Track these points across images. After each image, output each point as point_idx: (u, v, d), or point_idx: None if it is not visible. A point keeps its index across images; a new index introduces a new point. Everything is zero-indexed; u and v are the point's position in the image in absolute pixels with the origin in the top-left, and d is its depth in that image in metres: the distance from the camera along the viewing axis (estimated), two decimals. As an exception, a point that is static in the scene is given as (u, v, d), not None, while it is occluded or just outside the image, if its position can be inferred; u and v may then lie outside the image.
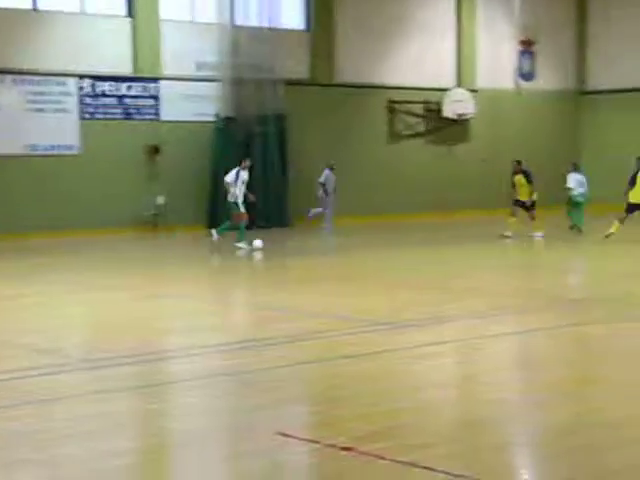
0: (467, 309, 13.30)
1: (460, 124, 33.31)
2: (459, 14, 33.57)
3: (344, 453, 6.79)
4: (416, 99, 32.59)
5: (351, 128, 31.59)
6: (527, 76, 34.96)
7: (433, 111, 32.88)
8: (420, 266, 19.20)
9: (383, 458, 6.67)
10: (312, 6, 30.91)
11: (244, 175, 22.95)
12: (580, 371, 9.81)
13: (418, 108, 32.77)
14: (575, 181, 26.03)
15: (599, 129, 36.21)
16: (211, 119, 28.79)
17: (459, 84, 33.50)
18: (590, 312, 13.20)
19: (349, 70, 31.64)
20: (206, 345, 11.09)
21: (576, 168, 26.63)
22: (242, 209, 22.81)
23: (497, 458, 6.85)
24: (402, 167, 32.32)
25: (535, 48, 35.17)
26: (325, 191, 27.20)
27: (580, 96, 36.76)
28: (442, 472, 6.40)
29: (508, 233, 24.37)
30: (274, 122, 29.40)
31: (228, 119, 28.87)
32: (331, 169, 27.52)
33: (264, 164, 29.16)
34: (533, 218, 24.95)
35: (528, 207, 25.14)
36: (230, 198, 22.94)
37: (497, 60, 34.47)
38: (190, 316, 13.50)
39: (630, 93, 35.18)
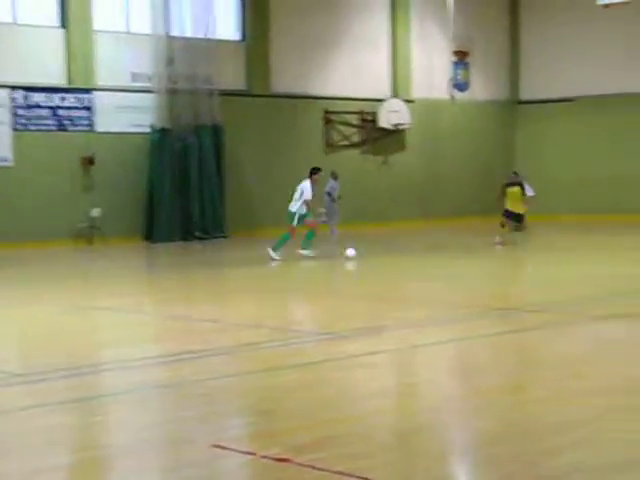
0: (404, 318, 13.35)
1: (396, 134, 33.49)
2: (394, 25, 33.78)
3: (280, 464, 6.76)
4: (352, 109, 32.74)
5: (288, 138, 31.62)
6: (461, 86, 35.28)
7: (369, 121, 33.03)
8: (358, 276, 19.24)
9: (318, 468, 6.65)
10: (247, 17, 30.90)
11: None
12: (514, 378, 9.88)
13: (354, 118, 32.90)
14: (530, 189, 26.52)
15: (533, 138, 36.64)
16: (146, 130, 28.62)
17: (394, 94, 33.69)
18: (526, 319, 13.32)
19: (285, 81, 31.67)
20: (142, 357, 10.99)
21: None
22: (296, 222, 22.24)
23: (431, 466, 6.86)
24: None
25: (469, 59, 35.51)
26: (333, 199, 27.59)
27: (514, 106, 37.18)
28: (378, 481, 6.41)
29: (499, 239, 24.57)
30: (210, 133, 29.32)
31: (163, 130, 28.73)
32: (335, 178, 27.99)
33: (200, 175, 29.07)
34: (522, 229, 24.86)
35: (520, 218, 24.87)
36: (292, 208, 22.30)
37: (432, 71, 34.74)
38: (126, 328, 13.37)
39: (563, 103, 35.65)
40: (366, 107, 32.89)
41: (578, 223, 32.05)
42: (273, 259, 21.83)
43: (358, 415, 8.28)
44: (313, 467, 6.68)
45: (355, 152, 33.10)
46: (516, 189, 25.09)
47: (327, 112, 32.37)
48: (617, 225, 30.82)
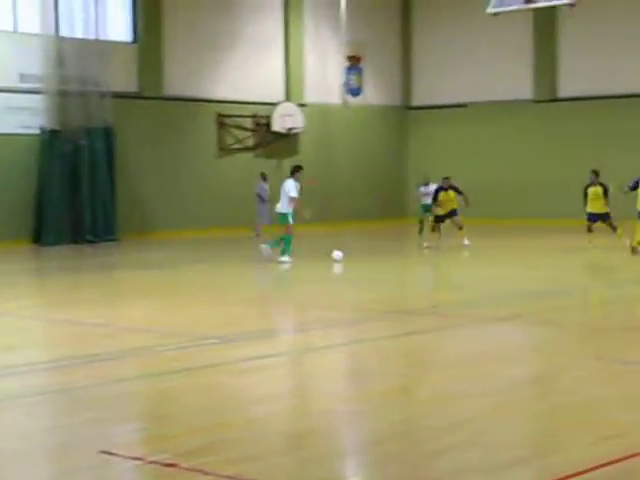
0: (296, 322, 13.39)
1: (289, 138, 33.56)
2: (287, 30, 33.85)
3: (168, 469, 6.71)
4: (245, 113, 32.69)
5: (180, 142, 31.41)
6: (354, 91, 35.52)
7: (262, 125, 33.03)
8: (250, 280, 19.21)
9: (207, 473, 6.63)
10: (139, 18, 30.61)
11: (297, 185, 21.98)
12: (402, 381, 9.98)
13: (247, 122, 32.86)
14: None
15: (425, 143, 37.10)
16: (36, 132, 28.12)
17: (288, 98, 33.76)
18: (418, 322, 13.47)
19: (178, 83, 31.47)
20: (30, 362, 10.80)
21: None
22: (291, 221, 21.92)
23: (318, 469, 6.89)
24: (232, 181, 32.33)
25: (362, 64, 35.76)
26: (263, 200, 28.66)
27: (406, 111, 37.59)
28: (266, 485, 6.42)
29: (429, 244, 24.73)
30: (101, 135, 28.96)
31: (53, 132, 28.27)
32: (264, 179, 29.10)
33: (91, 178, 28.69)
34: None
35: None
36: (281, 209, 21.94)
37: (325, 75, 34.91)
38: (13, 333, 13.11)
39: (455, 108, 36.18)
40: (260, 111, 32.89)
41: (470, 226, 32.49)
42: (285, 262, 21.44)
43: (247, 419, 8.27)
44: (202, 472, 6.66)
45: (248, 156, 33.06)
46: (451, 193, 25.31)
47: (220, 115, 32.26)
48: (505, 229, 31.35)
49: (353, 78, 35.51)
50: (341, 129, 35.28)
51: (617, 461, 6.87)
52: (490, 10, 23.84)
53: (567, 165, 33.19)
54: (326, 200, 34.28)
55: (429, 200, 27.47)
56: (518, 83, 34.86)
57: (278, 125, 32.96)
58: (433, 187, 27.11)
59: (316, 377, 10.45)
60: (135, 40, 30.78)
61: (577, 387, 9.39)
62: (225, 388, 9.49)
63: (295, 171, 22.39)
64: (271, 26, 33.57)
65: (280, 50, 33.83)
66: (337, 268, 21.76)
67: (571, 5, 22.45)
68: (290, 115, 33.13)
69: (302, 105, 33.74)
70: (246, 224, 31.72)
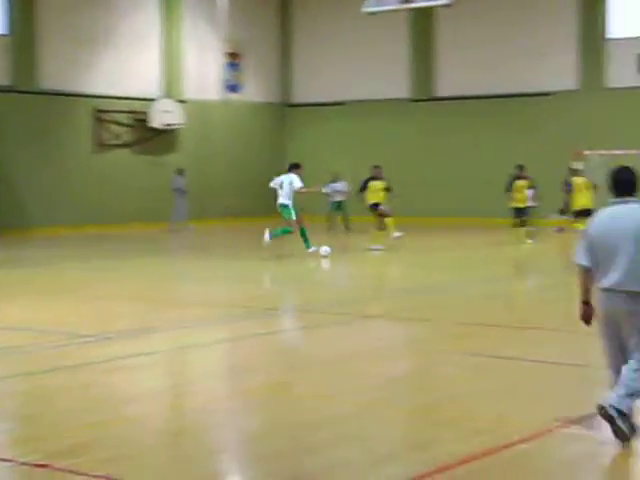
0: (173, 320, 13.27)
1: (168, 134, 33.27)
2: (165, 25, 33.54)
3: (39, 470, 6.59)
4: (123, 109, 32.28)
5: (56, 137, 30.84)
6: (234, 88, 35.43)
7: (141, 121, 32.66)
8: (127, 277, 18.97)
9: (80, 473, 6.52)
10: (13, 10, 29.92)
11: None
12: (281, 377, 9.99)
13: (125, 118, 32.45)
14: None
15: (305, 141, 37.23)
16: None
17: (166, 94, 33.46)
18: (297, 319, 13.51)
19: (54, 77, 30.89)
20: None
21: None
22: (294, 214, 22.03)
23: (195, 467, 6.85)
24: (109, 177, 31.91)
25: (241, 61, 35.70)
26: (179, 194, 29.75)
27: (285, 108, 37.66)
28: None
29: (378, 246, 23.40)
30: (-27, 130, 28.25)
31: None
32: (181, 174, 29.99)
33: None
34: (382, 228, 24.10)
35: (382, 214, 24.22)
36: (283, 201, 22.12)
37: (204, 72, 34.72)
38: None
39: (333, 106, 36.40)
40: (138, 106, 32.52)
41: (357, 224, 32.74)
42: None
43: (121, 418, 8.16)
44: (74, 472, 6.55)
45: (126, 152, 32.66)
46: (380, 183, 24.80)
47: (98, 111, 31.78)
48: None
49: (232, 75, 35.42)
50: (220, 126, 35.14)
51: (489, 453, 7.01)
52: (367, 9, 24.03)
53: (443, 162, 33.74)
54: (205, 197, 34.10)
55: (338, 197, 27.56)
56: (395, 82, 35.26)
57: (156, 121, 32.65)
58: (341, 185, 27.27)
59: (191, 375, 10.40)
60: (9, 32, 30.08)
61: (451, 382, 9.54)
62: (99, 387, 9.34)
63: (296, 167, 22.90)
64: (148, 21, 33.22)
65: (158, 45, 33.50)
66: (215, 265, 21.66)
67: (447, 6, 22.79)
68: (169, 111, 32.85)
69: (181, 101, 33.49)
70: (126, 220, 31.39)
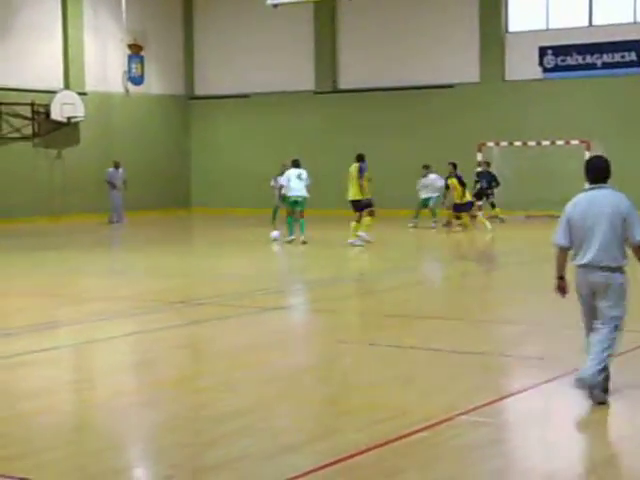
0: (77, 314, 13.14)
1: (70, 127, 32.79)
2: (65, 15, 32.96)
3: None
4: (23, 101, 31.68)
5: (-46, 130, 30.19)
6: (136, 80, 35.09)
7: (41, 113, 32.12)
8: (28, 272, 18.67)
9: (-23, 472, 6.44)
10: None
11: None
12: (183, 371, 9.98)
13: (25, 110, 31.87)
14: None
15: (208, 133, 37.06)
16: None
17: (67, 86, 32.96)
18: (198, 312, 13.47)
19: (-50, 69, 30.25)
20: None
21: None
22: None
23: (96, 462, 6.81)
24: (9, 170, 31.34)
25: (144, 52, 35.37)
26: (113, 187, 30.40)
27: (189, 101, 37.44)
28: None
29: (359, 238, 22.61)
30: None
31: None
32: (116, 167, 30.67)
33: None
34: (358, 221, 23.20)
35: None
36: (301, 193, 23.02)
37: (106, 63, 34.30)
38: None
39: (237, 98, 36.30)
40: (38, 98, 31.96)
41: (245, 216, 32.74)
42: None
43: (18, 415, 8.05)
44: (-30, 471, 6.45)
45: (27, 145, 32.10)
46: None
47: (-4, 103, 31.18)
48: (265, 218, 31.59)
49: (135, 66, 35.07)
50: (123, 118, 34.77)
51: (389, 442, 7.10)
52: (270, 1, 24.01)
53: (347, 155, 33.83)
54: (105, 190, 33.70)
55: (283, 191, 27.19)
56: (299, 74, 35.30)
57: (57, 114, 32.15)
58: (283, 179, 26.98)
59: (94, 370, 10.32)
60: None
61: (353, 373, 9.64)
62: (-2, 384, 9.21)
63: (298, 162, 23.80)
64: (47, 12, 32.63)
65: (58, 37, 32.94)
66: (119, 259, 21.47)
67: (349, -1, 22.86)
68: (70, 103, 32.35)
69: (82, 93, 33.01)
70: (25, 214, 30.89)
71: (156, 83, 36.18)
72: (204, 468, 6.68)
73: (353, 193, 22.74)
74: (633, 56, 29.86)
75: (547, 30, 31.47)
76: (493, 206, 28.59)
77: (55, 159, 32.79)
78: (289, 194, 23.14)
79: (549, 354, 10.24)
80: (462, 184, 26.12)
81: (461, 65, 32.52)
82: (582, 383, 8.09)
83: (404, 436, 7.25)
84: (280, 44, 35.44)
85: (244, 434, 7.42)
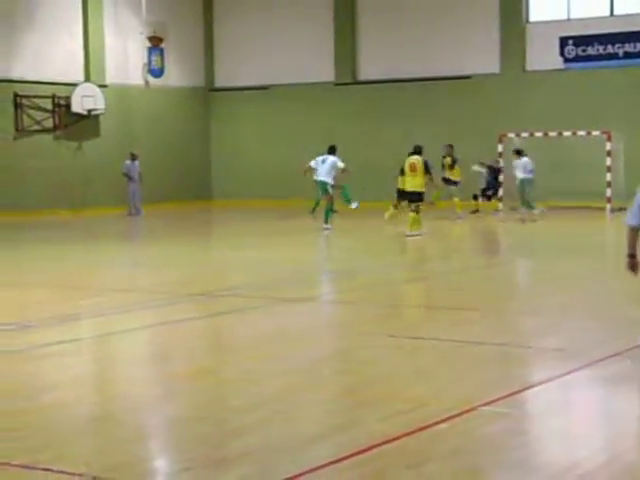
0: (96, 306, 13.17)
1: (90, 120, 32.88)
2: (85, 8, 33.02)
3: (-42, 460, 6.51)
4: (44, 94, 31.80)
5: (-25, 123, 30.33)
6: (156, 72, 35.14)
7: (62, 106, 32.22)
8: (48, 264, 18.74)
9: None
10: None
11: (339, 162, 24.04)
12: (203, 363, 9.98)
13: (46, 103, 31.98)
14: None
15: (228, 125, 37.08)
16: None
17: (88, 79, 33.04)
18: (217, 304, 13.48)
19: (-31, 61, 30.38)
20: None
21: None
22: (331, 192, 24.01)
23: (119, 453, 6.83)
24: (31, 163, 31.45)
25: (164, 45, 35.41)
26: (130, 179, 30.71)
27: (209, 93, 37.46)
28: (61, 472, 6.30)
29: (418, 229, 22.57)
30: None
31: None
32: (133, 159, 30.87)
33: None
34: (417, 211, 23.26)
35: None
36: (324, 178, 23.84)
37: (126, 56, 34.37)
38: None
39: (257, 91, 36.31)
40: (59, 91, 32.06)
41: (265, 208, 32.75)
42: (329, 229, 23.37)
43: (40, 406, 8.07)
44: (-5, 461, 6.48)
45: (48, 137, 32.20)
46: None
47: (17, 95, 31.28)
48: (293, 210, 31.57)
49: (155, 59, 35.12)
50: (143, 110, 34.83)
51: (410, 433, 7.09)
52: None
53: (367, 145, 33.82)
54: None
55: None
56: (320, 66, 35.25)
57: (78, 106, 32.24)
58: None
59: (118, 361, 10.35)
60: None
61: (373, 364, 9.62)
62: (19, 375, 9.24)
63: (334, 150, 24.42)
64: (69, 5, 32.72)
65: (79, 29, 33.02)
66: (138, 250, 21.55)
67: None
68: (90, 96, 32.44)
69: (103, 86, 33.09)
70: (49, 206, 31.00)
71: (176, 75, 36.21)
72: (224, 460, 6.68)
73: (417, 184, 22.64)
74: (655, 46, 29.69)
75: (568, 20, 31.32)
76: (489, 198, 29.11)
77: (76, 151, 32.89)
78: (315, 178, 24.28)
79: (570, 346, 10.20)
80: (454, 163, 27.18)
81: (481, 56, 32.40)
82: None
83: (425, 427, 7.23)
84: (300, 36, 35.40)
85: (265, 425, 7.42)
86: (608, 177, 28.91)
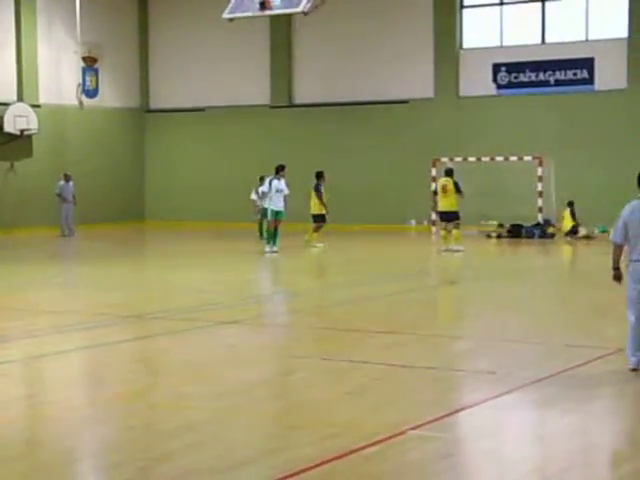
0: (28, 327, 13.01)
1: (23, 140, 32.55)
2: (18, 27, 32.76)
3: None
4: (-24, 113, 31.43)
5: None
6: (90, 93, 34.93)
7: (-5, 126, 31.85)
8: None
9: None
10: None
11: (277, 184, 23.91)
12: (135, 386, 9.91)
13: (-22, 122, 31.60)
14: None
15: (163, 146, 36.96)
16: None
17: (20, 99, 32.73)
18: (150, 326, 13.41)
19: None
20: None
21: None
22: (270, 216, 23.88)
23: (47, 477, 6.76)
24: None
25: (99, 65, 35.22)
26: (63, 200, 30.34)
27: (144, 114, 37.32)
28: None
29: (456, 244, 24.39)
30: None
31: None
32: (67, 180, 30.57)
33: None
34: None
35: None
36: (277, 207, 23.85)
37: (60, 76, 34.11)
38: None
39: (193, 112, 36.25)
40: (-9, 111, 31.71)
41: (199, 230, 32.67)
42: (275, 252, 23.45)
43: (-29, 430, 7.98)
44: None
45: (-21, 157, 31.82)
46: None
47: (-51, 114, 30.88)
48: (227, 232, 31.53)
49: (89, 79, 34.92)
50: (77, 131, 34.59)
51: (340, 456, 7.12)
52: (226, 15, 23.98)
53: (302, 168, 33.91)
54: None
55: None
56: (256, 89, 35.33)
57: (11, 126, 31.90)
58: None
59: (47, 384, 10.24)
60: None
61: (305, 387, 9.64)
62: (-53, 399, 9.11)
63: (281, 170, 24.36)
64: (2, 23, 32.44)
65: (12, 48, 32.73)
66: (71, 272, 21.34)
67: (304, 13, 22.89)
68: (23, 116, 32.14)
69: (36, 106, 32.81)
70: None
71: (111, 96, 36.04)
72: (154, 483, 6.66)
73: (450, 204, 24.43)
74: (585, 74, 30.22)
75: (501, 47, 31.79)
76: None
77: (7, 172, 32.54)
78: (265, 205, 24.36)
79: (500, 368, 10.31)
80: (319, 194, 26.25)
81: (416, 81, 32.72)
82: None
83: (355, 450, 7.27)
84: (236, 58, 35.46)
85: (196, 449, 7.40)
86: (539, 202, 29.33)
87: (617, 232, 9.92)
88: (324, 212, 25.91)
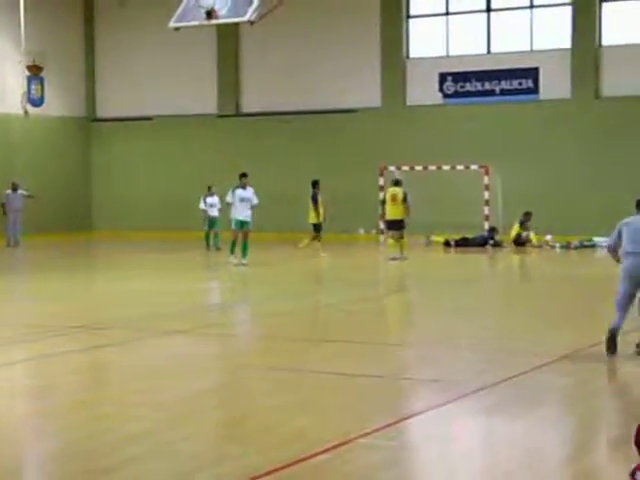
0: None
1: (-33, 149, 32.17)
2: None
3: None
4: None
5: None
6: (36, 101, 34.58)
7: (-63, 135, 31.44)
8: None
9: None
10: None
11: (242, 193, 23.38)
12: (80, 397, 9.82)
13: None
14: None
15: (110, 156, 36.70)
16: None
17: (-37, 107, 32.37)
18: (96, 337, 13.30)
19: None
20: None
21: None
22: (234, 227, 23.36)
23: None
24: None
25: (44, 73, 34.90)
26: (9, 209, 30.34)
27: (90, 123, 37.05)
28: None
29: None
30: None
31: None
32: (14, 189, 30.57)
33: None
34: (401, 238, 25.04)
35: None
36: (245, 218, 23.38)
37: (4, 84, 33.75)
38: None
39: (140, 121, 36.05)
40: None
41: (147, 240, 32.46)
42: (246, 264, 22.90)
43: None
44: None
45: None
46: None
47: None
48: (174, 242, 31.36)
49: (34, 88, 34.58)
50: (22, 140, 34.24)
51: (288, 465, 7.11)
52: (173, 24, 23.89)
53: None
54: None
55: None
56: (203, 98, 35.23)
57: (-46, 135, 31.52)
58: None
59: (-10, 396, 10.10)
60: None
61: (253, 397, 9.63)
62: None
63: (243, 177, 23.85)
64: (-54, 31, 32.08)
65: (-44, 57, 32.38)
66: (17, 283, 21.12)
67: (251, 23, 22.86)
68: (-33, 125, 31.76)
69: (-20, 115, 32.46)
70: None
71: (56, 105, 35.74)
72: (100, 495, 6.60)
73: (397, 213, 24.73)
74: (530, 83, 30.52)
75: (447, 57, 32.00)
76: None
77: (-49, 181, 32.13)
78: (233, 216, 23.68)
79: (445, 377, 10.36)
80: (315, 204, 26.38)
81: (363, 90, 32.82)
82: None
83: (302, 459, 7.26)
84: (183, 67, 35.35)
85: (142, 460, 7.35)
86: (486, 210, 29.55)
87: (612, 240, 11.42)
88: (320, 221, 26.13)
